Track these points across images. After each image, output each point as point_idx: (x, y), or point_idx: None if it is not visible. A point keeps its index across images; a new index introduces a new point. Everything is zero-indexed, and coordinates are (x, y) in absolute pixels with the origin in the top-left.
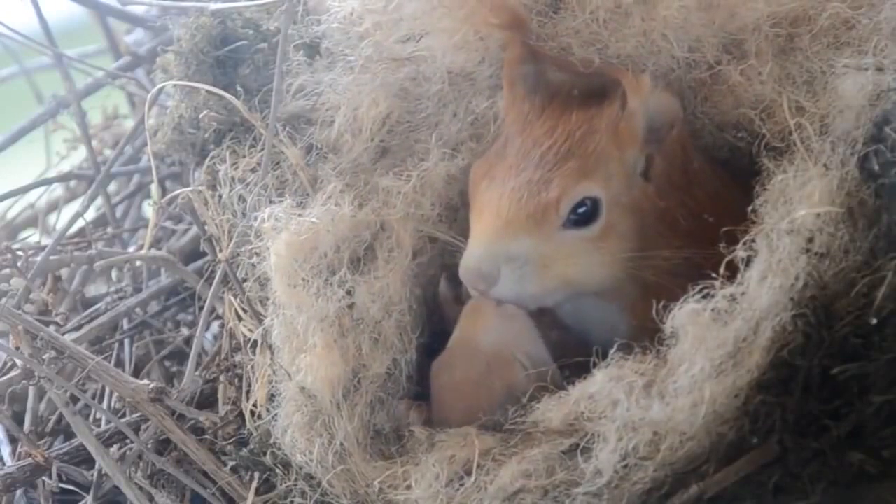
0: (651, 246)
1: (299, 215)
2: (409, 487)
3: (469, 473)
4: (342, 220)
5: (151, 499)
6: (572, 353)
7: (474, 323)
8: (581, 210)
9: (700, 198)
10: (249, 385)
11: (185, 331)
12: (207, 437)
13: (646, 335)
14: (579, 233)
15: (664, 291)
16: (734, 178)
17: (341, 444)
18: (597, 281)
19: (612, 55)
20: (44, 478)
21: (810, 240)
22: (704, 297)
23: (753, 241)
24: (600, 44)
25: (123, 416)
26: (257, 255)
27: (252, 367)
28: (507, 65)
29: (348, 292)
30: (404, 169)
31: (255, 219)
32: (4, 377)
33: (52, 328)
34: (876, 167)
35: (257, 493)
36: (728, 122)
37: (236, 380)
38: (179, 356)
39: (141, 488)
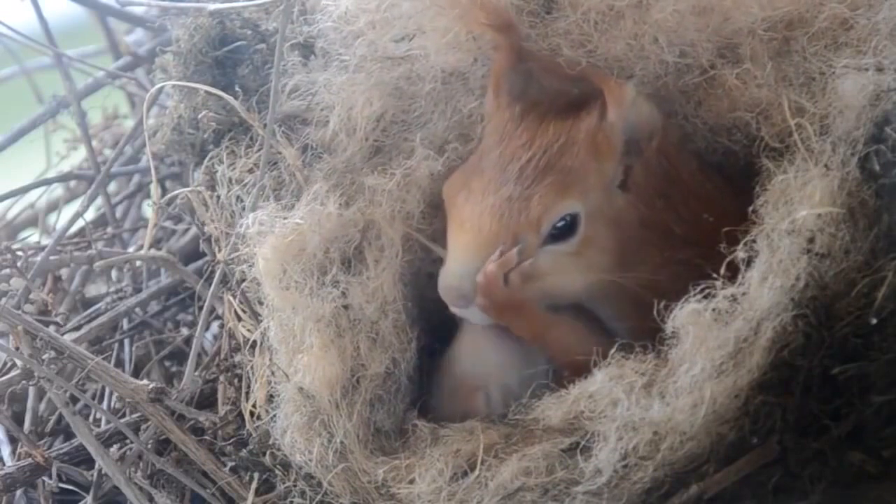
0: (637, 255)
1: (284, 218)
2: (412, 482)
3: (473, 468)
4: (328, 220)
5: (151, 499)
6: None
7: (460, 341)
8: (560, 225)
9: (692, 204)
10: (249, 385)
11: (185, 331)
12: (207, 437)
13: (644, 335)
14: (557, 247)
15: (656, 296)
16: (729, 182)
17: (341, 443)
18: (575, 292)
19: (600, 57)
20: (44, 478)
21: (811, 240)
22: (705, 297)
23: (754, 241)
24: (590, 45)
25: (123, 416)
26: (245, 261)
27: (251, 367)
28: (494, 73)
29: (343, 293)
30: (389, 167)
31: (242, 225)
32: (4, 377)
33: (51, 328)
34: (877, 167)
35: (257, 493)
36: (723, 125)
37: (236, 380)
38: (179, 356)
39: (141, 488)
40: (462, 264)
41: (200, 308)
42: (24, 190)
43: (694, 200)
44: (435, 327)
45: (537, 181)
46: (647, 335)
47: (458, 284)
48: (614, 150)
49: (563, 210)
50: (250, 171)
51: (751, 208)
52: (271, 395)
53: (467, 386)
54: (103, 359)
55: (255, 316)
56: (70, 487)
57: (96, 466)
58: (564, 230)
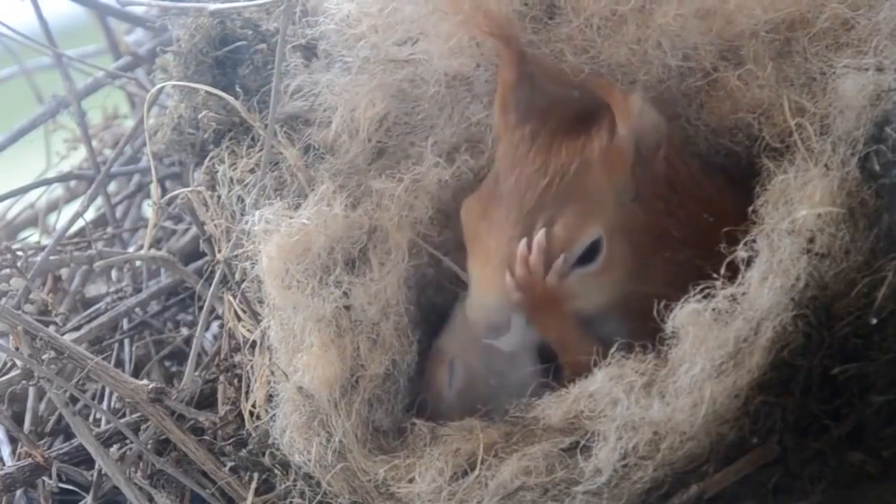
0: (647, 261)
1: (290, 217)
2: (411, 481)
3: (473, 468)
4: (334, 221)
5: (151, 499)
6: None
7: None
8: (584, 250)
9: (691, 207)
10: (249, 385)
11: (185, 331)
12: (207, 437)
13: (645, 335)
14: (583, 270)
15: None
16: (730, 183)
17: (340, 442)
18: (601, 307)
19: (603, 63)
20: (44, 478)
21: (811, 240)
22: (705, 297)
23: (754, 241)
24: (593, 51)
25: (123, 416)
26: (248, 258)
27: (251, 367)
28: (500, 93)
29: (345, 293)
30: (397, 171)
31: (247, 222)
32: (4, 377)
33: (51, 328)
34: (877, 167)
35: (256, 493)
36: (725, 127)
37: (235, 380)
38: (179, 356)
39: (141, 488)
40: (492, 297)
41: (200, 308)
42: (24, 190)
43: (693, 202)
44: (437, 330)
45: (559, 209)
46: (647, 336)
47: (489, 317)
48: (626, 165)
49: (589, 237)
50: (251, 171)
51: (751, 208)
52: (271, 395)
53: (438, 357)
54: (103, 359)
55: (255, 316)
56: (70, 487)
57: (96, 466)
58: (589, 254)
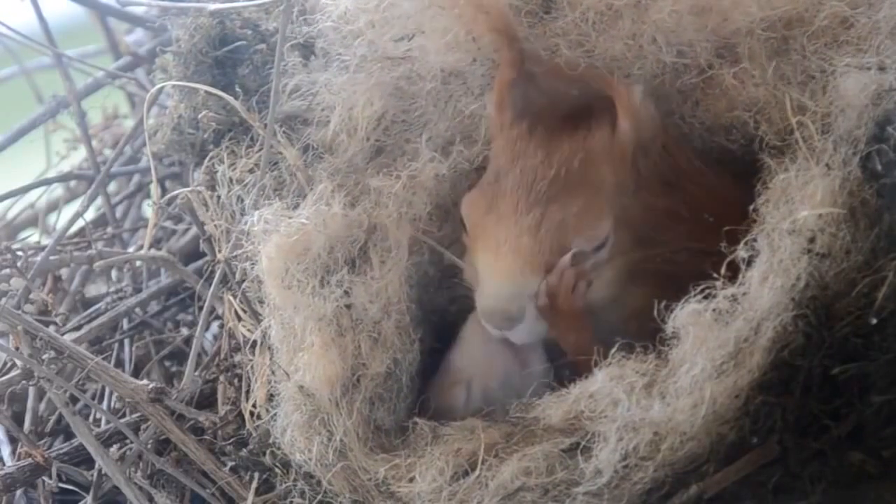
0: (652, 246)
1: (289, 217)
2: (412, 480)
3: (474, 468)
4: (333, 221)
5: (151, 499)
6: None
7: (459, 337)
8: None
9: (697, 194)
10: (249, 385)
11: (184, 331)
12: (207, 437)
13: (646, 336)
14: (590, 261)
15: (664, 292)
16: (734, 177)
17: (341, 440)
18: (609, 298)
19: (598, 57)
20: (44, 478)
21: (812, 240)
22: (706, 297)
23: (755, 240)
24: (588, 45)
25: (123, 416)
26: (248, 258)
27: (251, 367)
28: (497, 90)
29: (346, 292)
30: (394, 168)
31: (246, 222)
32: (4, 377)
33: (51, 328)
34: (878, 167)
35: (257, 493)
36: (720, 125)
37: (236, 380)
38: (179, 356)
39: (141, 488)
40: (508, 286)
41: (200, 308)
42: (24, 190)
43: (701, 192)
44: (437, 329)
45: (569, 200)
46: (647, 336)
47: (506, 306)
48: (627, 157)
49: (600, 232)
50: (251, 171)
51: (751, 206)
52: (271, 395)
53: (452, 379)
54: (103, 359)
55: (255, 316)
56: (70, 487)
57: (96, 466)
58: (597, 245)
